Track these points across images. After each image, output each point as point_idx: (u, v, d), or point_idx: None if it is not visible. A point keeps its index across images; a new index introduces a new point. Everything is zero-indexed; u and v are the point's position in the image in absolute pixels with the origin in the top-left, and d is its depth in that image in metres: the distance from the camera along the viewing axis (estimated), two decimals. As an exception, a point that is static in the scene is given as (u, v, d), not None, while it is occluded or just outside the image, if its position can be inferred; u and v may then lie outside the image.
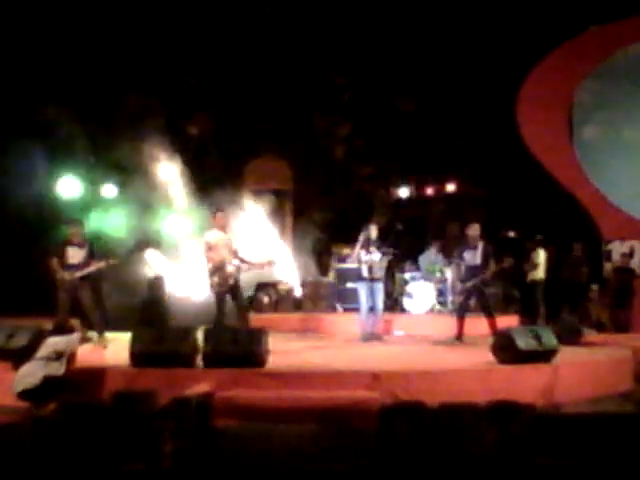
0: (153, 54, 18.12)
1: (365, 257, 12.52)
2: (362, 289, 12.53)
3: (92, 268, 11.47)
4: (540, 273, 14.92)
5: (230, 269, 10.90)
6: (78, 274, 11.32)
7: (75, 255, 11.44)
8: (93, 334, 11.48)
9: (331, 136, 19.67)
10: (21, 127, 16.20)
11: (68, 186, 15.76)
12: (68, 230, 11.67)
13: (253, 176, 17.41)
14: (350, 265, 14.22)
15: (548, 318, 14.26)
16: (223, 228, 11.21)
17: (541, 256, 15.04)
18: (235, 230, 11.65)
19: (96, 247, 11.87)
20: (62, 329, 9.04)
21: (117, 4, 17.17)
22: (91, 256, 11.52)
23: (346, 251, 15.24)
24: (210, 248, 11.00)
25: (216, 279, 10.90)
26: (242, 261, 11.12)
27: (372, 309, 12.50)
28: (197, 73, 17.80)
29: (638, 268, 16.25)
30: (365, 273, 12.49)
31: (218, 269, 10.90)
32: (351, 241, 13.91)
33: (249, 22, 18.51)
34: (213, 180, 16.20)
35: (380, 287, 12.58)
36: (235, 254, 11.09)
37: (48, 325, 9.50)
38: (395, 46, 18.80)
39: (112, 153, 16.34)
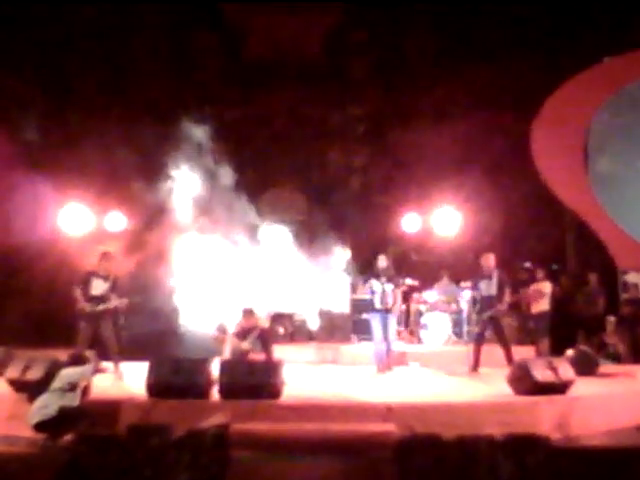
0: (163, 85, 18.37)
1: (377, 288, 12.52)
2: (374, 320, 12.50)
3: (114, 304, 11.56)
4: (543, 305, 14.87)
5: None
6: (100, 307, 11.40)
7: (98, 287, 11.54)
8: (109, 365, 11.51)
9: (346, 166, 19.73)
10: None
11: (74, 217, 15.84)
12: (99, 261, 11.78)
13: (268, 207, 17.46)
14: (364, 296, 14.23)
15: (552, 351, 14.15)
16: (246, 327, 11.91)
17: (541, 287, 14.99)
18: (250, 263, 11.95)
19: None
20: (77, 360, 9.07)
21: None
22: (113, 289, 11.61)
23: (360, 281, 15.25)
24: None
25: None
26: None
27: (385, 339, 12.46)
28: (212, 102, 17.93)
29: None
30: (377, 304, 12.47)
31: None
32: (366, 272, 13.94)
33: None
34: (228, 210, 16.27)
35: (393, 318, 12.55)
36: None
37: (64, 356, 9.53)
38: (408, 74, 18.96)
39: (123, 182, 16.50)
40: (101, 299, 11.49)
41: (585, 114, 17.48)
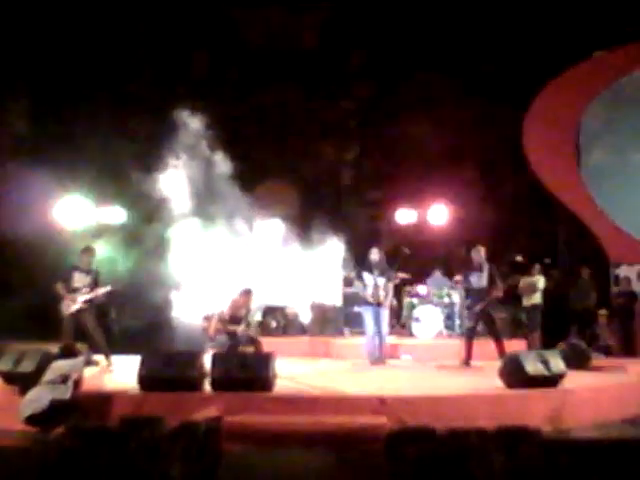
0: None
1: (369, 281, 12.52)
2: (367, 313, 12.51)
3: (95, 293, 11.62)
4: (536, 298, 14.97)
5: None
6: (81, 298, 11.45)
7: (80, 280, 11.62)
8: (101, 358, 11.53)
9: (338, 160, 19.73)
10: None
11: (72, 209, 15.77)
12: (80, 256, 11.84)
13: (260, 201, 17.44)
14: (357, 289, 14.22)
15: (544, 344, 14.24)
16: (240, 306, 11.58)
17: (534, 280, 15.08)
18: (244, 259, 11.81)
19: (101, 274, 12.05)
20: (68, 353, 9.06)
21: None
22: (95, 282, 11.69)
23: (353, 275, 15.25)
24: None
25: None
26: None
27: (378, 333, 12.46)
28: (205, 96, 17.89)
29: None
30: (370, 298, 12.48)
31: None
32: (358, 265, 13.94)
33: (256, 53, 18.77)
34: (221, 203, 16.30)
35: (385, 311, 12.55)
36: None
37: (55, 349, 9.52)
38: (401, 69, 18.97)
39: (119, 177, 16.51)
40: (83, 292, 11.57)
41: (576, 108, 17.54)
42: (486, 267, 12.10)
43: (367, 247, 13.40)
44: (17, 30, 17.08)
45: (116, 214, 16.44)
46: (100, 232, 15.80)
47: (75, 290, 11.58)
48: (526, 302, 15.01)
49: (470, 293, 12.34)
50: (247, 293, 11.95)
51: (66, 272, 11.78)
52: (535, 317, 14.91)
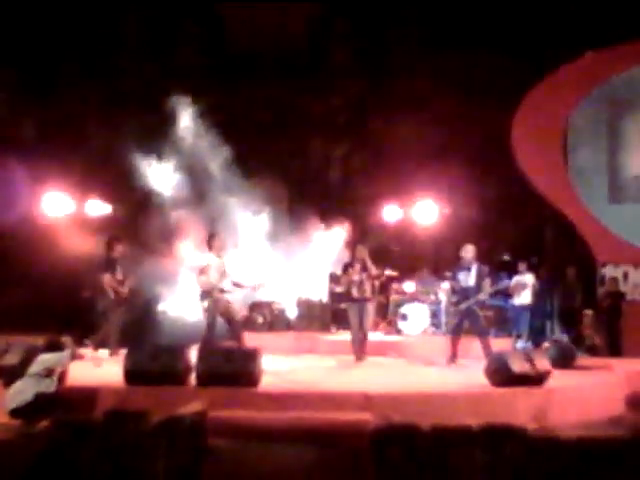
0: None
1: (355, 278, 12.49)
2: (352, 309, 12.48)
3: (130, 283, 11.72)
4: (525, 297, 15.02)
5: (219, 294, 10.91)
6: (126, 289, 11.59)
7: (120, 271, 11.63)
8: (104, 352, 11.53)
9: (327, 156, 19.71)
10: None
11: (55, 205, 15.68)
12: (114, 246, 11.77)
13: (249, 196, 17.43)
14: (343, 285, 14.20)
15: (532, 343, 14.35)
16: (218, 251, 11.20)
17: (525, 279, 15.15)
18: (231, 252, 11.55)
19: None
20: (53, 346, 9.02)
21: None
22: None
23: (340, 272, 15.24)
24: (201, 271, 11.03)
25: (206, 304, 10.93)
26: (234, 284, 11.18)
27: (361, 328, 12.42)
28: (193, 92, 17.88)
29: (631, 293, 16.29)
30: (355, 294, 12.45)
31: (207, 293, 10.91)
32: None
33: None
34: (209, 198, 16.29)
35: (369, 308, 12.52)
36: (227, 277, 11.13)
37: (41, 342, 9.48)
38: (389, 65, 18.98)
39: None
40: (123, 283, 11.73)
41: (566, 107, 17.55)
42: (474, 266, 12.09)
43: (355, 243, 13.42)
44: (4, 17, 16.99)
45: (103, 207, 16.37)
46: (89, 225, 15.73)
47: (122, 281, 11.68)
48: (516, 301, 15.04)
49: (457, 291, 12.34)
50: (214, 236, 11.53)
51: (108, 264, 11.76)
52: (524, 317, 14.96)
